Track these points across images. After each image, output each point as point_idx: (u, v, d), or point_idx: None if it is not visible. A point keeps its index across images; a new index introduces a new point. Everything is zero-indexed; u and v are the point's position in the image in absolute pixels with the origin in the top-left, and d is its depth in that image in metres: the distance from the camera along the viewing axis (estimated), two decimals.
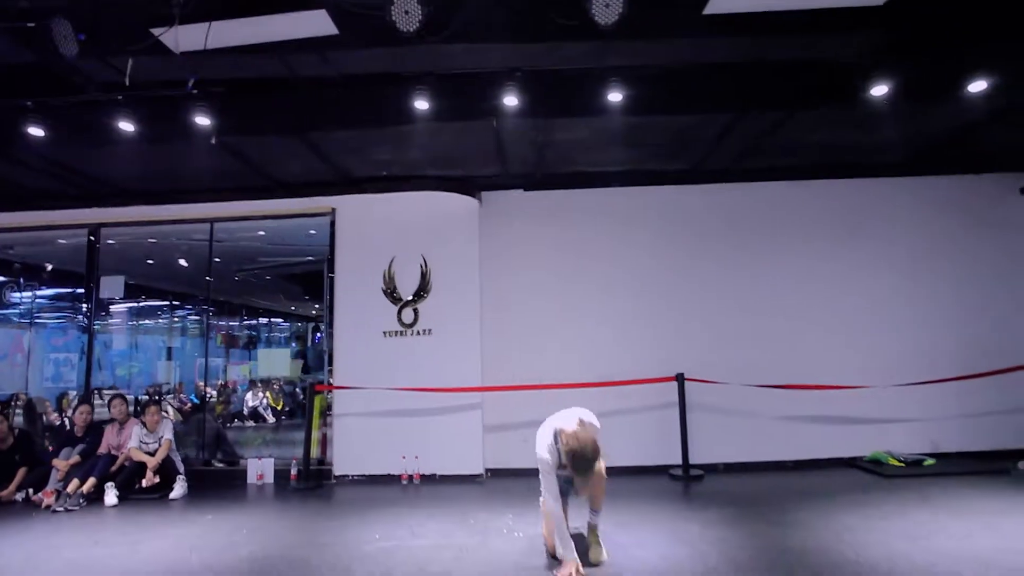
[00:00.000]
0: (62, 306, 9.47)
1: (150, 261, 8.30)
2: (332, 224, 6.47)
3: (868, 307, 6.42)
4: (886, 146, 6.03)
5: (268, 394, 11.16)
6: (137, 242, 7.33)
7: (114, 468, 5.57)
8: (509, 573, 3.25)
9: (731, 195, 6.61)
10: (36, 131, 4.67)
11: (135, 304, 10.15)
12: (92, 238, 6.83)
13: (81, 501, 5.16)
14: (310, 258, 7.69)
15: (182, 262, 8.30)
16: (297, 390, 10.53)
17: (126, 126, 4.54)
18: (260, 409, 10.98)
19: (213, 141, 4.72)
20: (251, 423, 10.48)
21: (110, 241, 6.99)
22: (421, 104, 4.41)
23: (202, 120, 4.44)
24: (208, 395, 9.81)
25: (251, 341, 12.46)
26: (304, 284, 10.49)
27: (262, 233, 7.33)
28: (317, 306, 7.82)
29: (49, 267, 8.67)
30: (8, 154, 5.41)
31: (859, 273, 6.47)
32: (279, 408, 11.13)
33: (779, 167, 6.43)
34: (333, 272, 6.43)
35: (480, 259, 6.41)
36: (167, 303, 10.68)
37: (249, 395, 11.02)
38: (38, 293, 9.15)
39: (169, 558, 3.71)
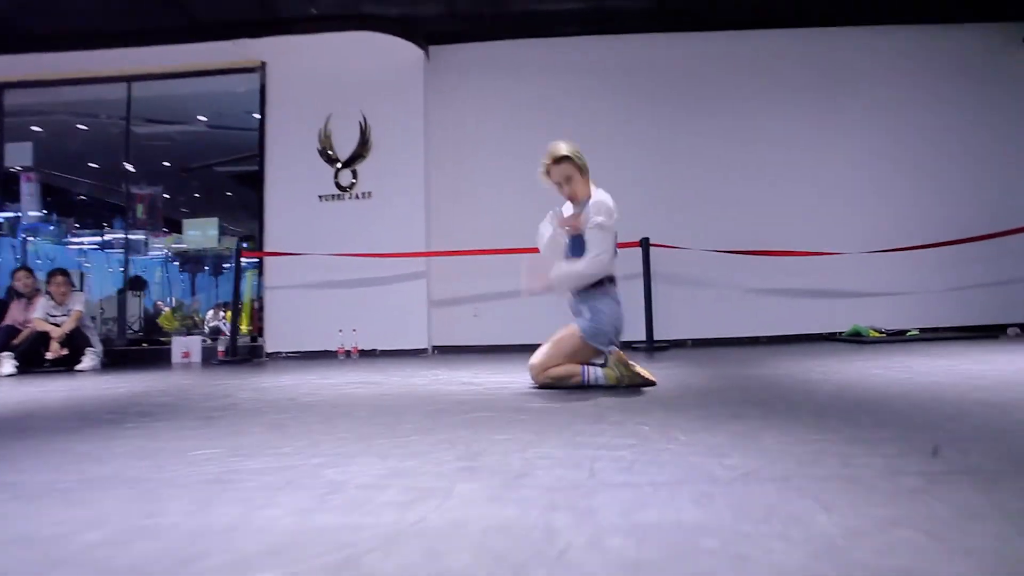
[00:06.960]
0: None
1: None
2: (262, 80, 5.75)
3: (850, 170, 5.86)
4: None
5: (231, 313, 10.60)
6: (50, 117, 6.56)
7: (16, 340, 5.01)
8: (453, 396, 2.73)
9: (699, 46, 5.94)
10: None
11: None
12: None
13: None
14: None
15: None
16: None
17: None
18: (223, 326, 10.47)
19: None
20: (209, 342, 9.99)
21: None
22: None
23: None
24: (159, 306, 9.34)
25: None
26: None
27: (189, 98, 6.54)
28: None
29: None
30: None
31: (841, 132, 5.89)
32: (247, 330, 10.58)
33: (755, 5, 5.68)
34: (264, 132, 5.75)
35: (427, 117, 5.74)
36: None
37: (210, 313, 10.55)
38: None
39: (14, 397, 3.18)
